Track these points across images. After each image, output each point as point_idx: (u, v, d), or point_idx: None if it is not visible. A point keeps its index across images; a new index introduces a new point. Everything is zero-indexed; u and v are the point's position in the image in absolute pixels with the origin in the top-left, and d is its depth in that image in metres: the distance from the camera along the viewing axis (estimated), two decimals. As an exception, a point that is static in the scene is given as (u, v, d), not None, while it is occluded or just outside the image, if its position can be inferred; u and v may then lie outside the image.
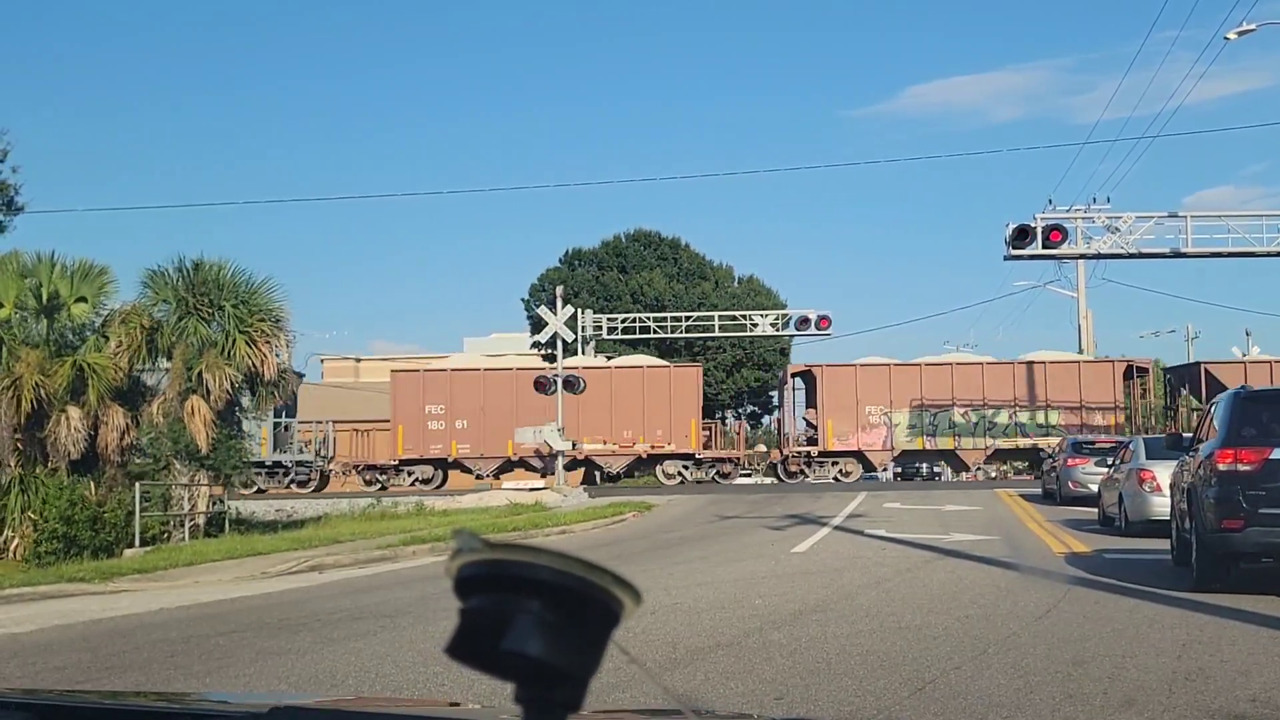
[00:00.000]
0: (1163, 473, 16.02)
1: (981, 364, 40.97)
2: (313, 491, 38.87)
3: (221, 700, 2.47)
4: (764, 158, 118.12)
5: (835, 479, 39.52)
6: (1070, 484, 25.60)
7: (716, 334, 49.98)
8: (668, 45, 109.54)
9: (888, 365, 40.69)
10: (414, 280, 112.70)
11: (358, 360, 65.78)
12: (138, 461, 21.72)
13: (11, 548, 19.79)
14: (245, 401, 23.10)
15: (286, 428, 39.78)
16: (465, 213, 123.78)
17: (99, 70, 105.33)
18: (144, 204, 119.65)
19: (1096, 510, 21.19)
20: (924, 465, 46.23)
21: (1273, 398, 11.81)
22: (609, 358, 46.61)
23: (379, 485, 39.60)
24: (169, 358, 21.99)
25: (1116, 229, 29.55)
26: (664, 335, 48.95)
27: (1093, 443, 27.74)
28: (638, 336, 48.84)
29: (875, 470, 40.51)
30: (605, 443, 39.87)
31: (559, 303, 34.83)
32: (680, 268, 59.19)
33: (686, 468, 39.94)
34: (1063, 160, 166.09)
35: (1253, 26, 25.31)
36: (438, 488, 39.01)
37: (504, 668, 1.04)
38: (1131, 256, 30.33)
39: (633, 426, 39.64)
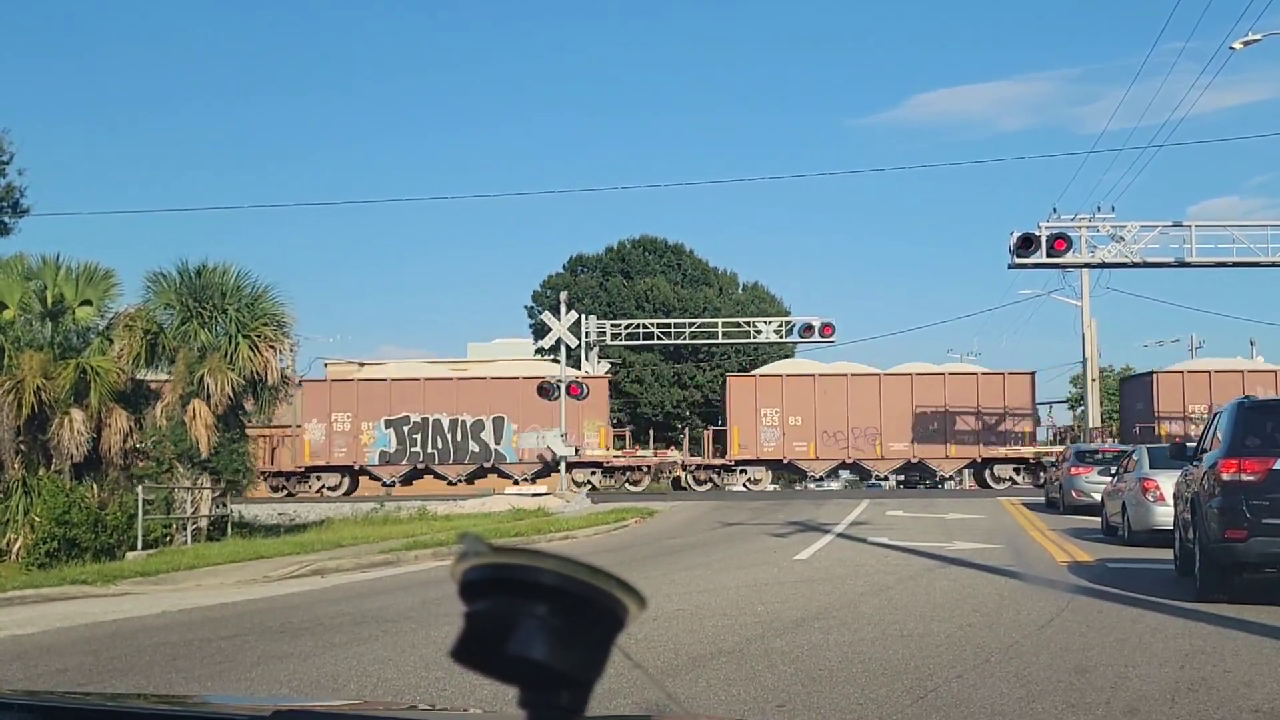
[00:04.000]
0: (1166, 482, 16.00)
1: None
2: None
3: (224, 703, 2.46)
4: (768, 165, 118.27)
5: None
6: (1073, 493, 25.56)
7: (720, 340, 49.98)
8: (672, 53, 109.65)
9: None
10: (420, 285, 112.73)
11: (360, 364, 65.80)
12: (140, 464, 21.73)
13: (14, 550, 19.80)
14: (249, 405, 23.09)
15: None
16: (470, 218, 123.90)
17: (107, 73, 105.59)
18: (150, 208, 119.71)
19: (1100, 519, 21.16)
20: None
21: (1277, 407, 11.79)
22: (610, 363, 46.67)
23: None
24: (172, 361, 22.01)
25: (1121, 238, 29.54)
26: (668, 341, 48.93)
27: (1096, 451, 27.71)
28: (641, 342, 48.81)
29: None
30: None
31: (563, 308, 34.84)
32: (684, 274, 59.20)
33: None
34: (1068, 170, 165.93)
35: (1258, 37, 25.30)
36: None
37: (509, 672, 1.04)
38: (1136, 265, 30.32)
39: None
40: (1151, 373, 40.78)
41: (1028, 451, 39.59)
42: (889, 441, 39.84)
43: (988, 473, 40.13)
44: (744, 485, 39.85)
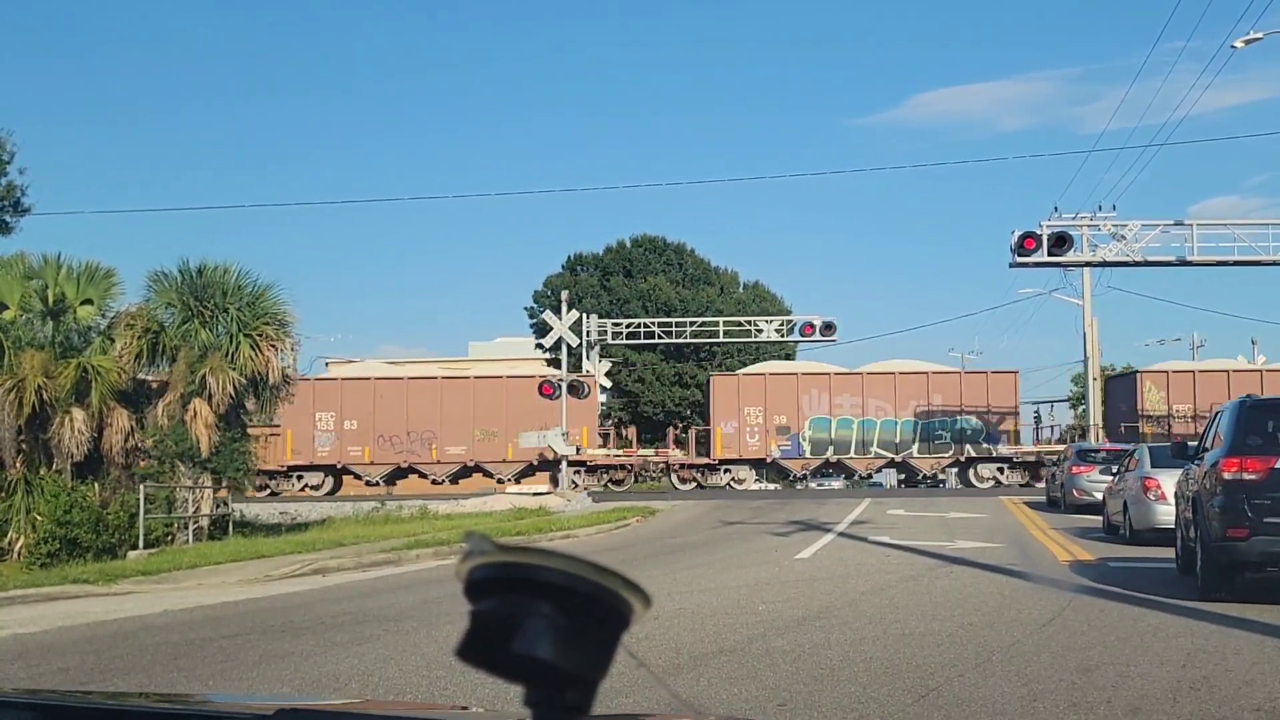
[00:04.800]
0: (1167, 481, 16.00)
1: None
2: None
3: (226, 702, 2.47)
4: (768, 165, 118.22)
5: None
6: (1075, 492, 25.55)
7: (721, 339, 49.97)
8: (672, 53, 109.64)
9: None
10: (420, 285, 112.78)
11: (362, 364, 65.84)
12: (142, 464, 21.73)
13: (16, 549, 19.81)
14: (250, 404, 23.09)
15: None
16: (470, 218, 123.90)
17: (107, 73, 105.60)
18: (151, 207, 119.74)
19: (1101, 518, 21.15)
20: None
21: (1279, 406, 11.78)
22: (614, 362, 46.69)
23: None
24: (173, 360, 22.01)
25: (1122, 237, 29.51)
26: (669, 340, 48.93)
27: (1098, 450, 27.70)
28: (643, 341, 48.80)
29: None
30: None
31: (564, 307, 34.85)
32: (685, 273, 59.17)
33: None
34: (1068, 169, 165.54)
35: (1259, 35, 25.26)
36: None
37: (514, 670, 1.04)
38: (1137, 264, 30.28)
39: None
40: (734, 375, 42.09)
41: (585, 454, 39.72)
42: (446, 445, 39.74)
43: (549, 474, 40.26)
44: (305, 490, 39.52)
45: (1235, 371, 40.08)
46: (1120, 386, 42.21)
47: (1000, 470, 39.86)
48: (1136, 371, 41.03)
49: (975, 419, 39.87)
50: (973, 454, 40.01)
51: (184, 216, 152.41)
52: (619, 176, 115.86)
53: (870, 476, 42.99)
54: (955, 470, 41.71)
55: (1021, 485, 39.15)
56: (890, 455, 40.29)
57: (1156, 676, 7.19)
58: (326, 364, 51.71)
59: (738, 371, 42.36)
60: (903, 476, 44.50)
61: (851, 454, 40.34)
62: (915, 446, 40.08)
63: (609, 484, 39.88)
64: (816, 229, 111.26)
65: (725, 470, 39.90)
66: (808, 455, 40.22)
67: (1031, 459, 40.33)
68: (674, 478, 40.51)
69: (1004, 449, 39.92)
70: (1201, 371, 40.28)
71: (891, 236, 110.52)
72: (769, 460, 40.31)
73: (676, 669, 7.61)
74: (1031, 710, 6.27)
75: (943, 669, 7.45)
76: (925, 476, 42.30)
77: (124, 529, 20.05)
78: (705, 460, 40.49)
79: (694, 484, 40.02)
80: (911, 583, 12.68)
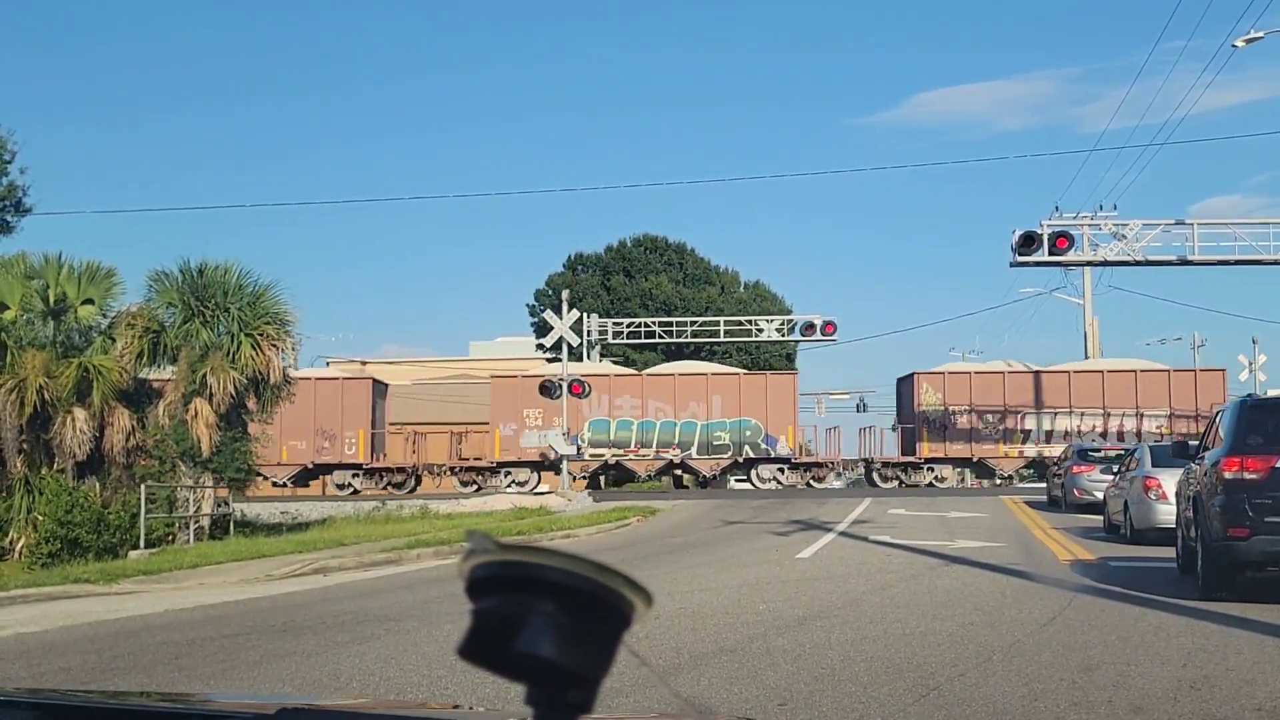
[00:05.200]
0: (1168, 480, 16.00)
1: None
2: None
3: (228, 701, 2.47)
4: (768, 165, 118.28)
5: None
6: (1076, 491, 25.56)
7: (722, 339, 49.98)
8: (672, 53, 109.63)
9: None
10: (421, 284, 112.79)
11: (363, 364, 65.88)
12: (143, 463, 21.75)
13: (17, 549, 19.82)
14: (251, 404, 23.11)
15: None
16: (470, 218, 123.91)
17: (107, 73, 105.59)
18: (151, 207, 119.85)
19: (1102, 518, 21.15)
20: None
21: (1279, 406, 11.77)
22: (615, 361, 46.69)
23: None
24: (174, 360, 22.03)
25: (1123, 236, 29.54)
26: (670, 340, 48.93)
27: (1099, 450, 27.71)
28: (643, 341, 48.80)
29: None
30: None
31: (565, 307, 34.85)
32: (685, 273, 59.18)
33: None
34: (1069, 169, 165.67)
35: (1260, 34, 25.26)
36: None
37: (516, 669, 1.04)
38: (1138, 264, 30.31)
39: None
40: (514, 377, 42.11)
41: (361, 458, 39.46)
42: None
43: (328, 478, 39.97)
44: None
45: (1010, 373, 40.79)
46: (905, 387, 42.78)
47: (781, 471, 39.82)
48: (915, 373, 41.42)
49: (754, 421, 39.96)
50: (752, 455, 40.02)
51: (184, 216, 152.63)
52: (619, 176, 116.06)
53: (653, 476, 42.82)
54: (736, 471, 41.90)
55: (803, 485, 39.45)
56: (670, 457, 40.12)
57: (1158, 676, 7.19)
58: (327, 363, 51.73)
59: (518, 373, 42.08)
60: (681, 475, 44.15)
61: (631, 456, 40.16)
62: (695, 448, 39.94)
63: (389, 487, 39.40)
64: (816, 229, 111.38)
65: (506, 473, 39.57)
66: (587, 457, 40.06)
67: (811, 461, 41.17)
68: (455, 480, 39.97)
69: (783, 449, 39.99)
70: (977, 373, 41.10)
71: (891, 236, 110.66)
72: (546, 462, 39.75)
73: (677, 668, 7.61)
74: (1033, 710, 6.28)
75: (944, 668, 7.46)
76: (705, 477, 42.21)
77: (125, 529, 20.07)
78: (483, 463, 40.09)
79: (475, 486, 39.66)
80: (912, 582, 12.69)
